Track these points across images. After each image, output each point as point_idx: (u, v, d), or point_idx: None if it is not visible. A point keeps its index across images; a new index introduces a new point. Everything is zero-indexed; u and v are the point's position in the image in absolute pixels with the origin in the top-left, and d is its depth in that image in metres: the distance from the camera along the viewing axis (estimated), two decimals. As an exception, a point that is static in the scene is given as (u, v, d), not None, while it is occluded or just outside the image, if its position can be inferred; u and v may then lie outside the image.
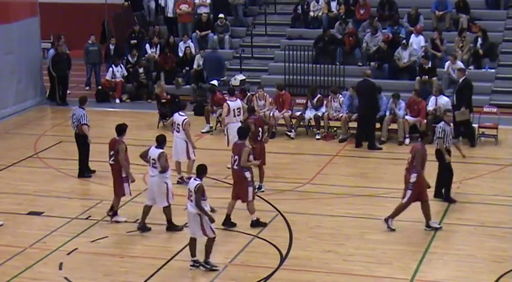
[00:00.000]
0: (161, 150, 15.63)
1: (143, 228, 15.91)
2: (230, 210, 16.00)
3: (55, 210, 17.19)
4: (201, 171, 14.24)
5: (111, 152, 16.28)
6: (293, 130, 22.39)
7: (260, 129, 17.90)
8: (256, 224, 15.95)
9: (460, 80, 21.59)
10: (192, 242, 14.22)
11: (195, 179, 14.13)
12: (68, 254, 14.89)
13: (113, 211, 16.45)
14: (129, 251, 14.96)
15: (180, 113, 18.40)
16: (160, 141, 15.76)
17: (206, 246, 14.11)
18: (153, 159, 15.67)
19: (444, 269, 14.09)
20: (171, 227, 15.89)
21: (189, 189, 14.07)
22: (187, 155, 18.32)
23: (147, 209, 15.94)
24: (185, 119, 18.22)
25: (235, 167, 15.75)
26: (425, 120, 21.43)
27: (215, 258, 14.80)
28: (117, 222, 16.35)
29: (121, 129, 16.39)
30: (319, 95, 22.89)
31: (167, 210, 15.84)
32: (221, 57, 27.01)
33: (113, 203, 16.48)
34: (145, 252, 14.89)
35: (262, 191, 17.82)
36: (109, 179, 19.01)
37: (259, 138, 17.83)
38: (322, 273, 13.72)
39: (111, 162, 16.36)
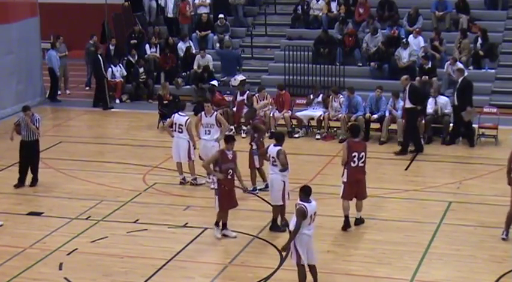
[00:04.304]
0: (279, 148, 15.53)
1: (283, 226, 15.52)
2: (359, 209, 16.01)
3: (55, 210, 17.16)
4: (306, 193, 13.11)
5: None
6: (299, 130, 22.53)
7: None
8: (360, 221, 15.97)
9: (459, 80, 21.58)
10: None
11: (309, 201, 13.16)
12: (68, 254, 14.86)
13: (219, 224, 15.57)
14: (129, 251, 14.94)
15: (180, 113, 18.40)
16: (279, 139, 15.74)
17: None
18: (272, 157, 15.56)
19: (444, 269, 14.06)
20: (274, 227, 15.63)
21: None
22: (188, 155, 18.30)
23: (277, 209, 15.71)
24: (188, 118, 18.23)
25: (360, 164, 15.71)
26: (423, 121, 21.44)
27: (214, 257, 14.81)
28: (225, 236, 15.46)
29: (229, 138, 15.48)
30: (321, 94, 22.94)
31: (276, 209, 15.64)
32: (239, 55, 27.19)
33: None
34: (145, 252, 14.87)
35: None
36: (108, 179, 19.09)
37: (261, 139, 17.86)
38: (322, 273, 13.66)
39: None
